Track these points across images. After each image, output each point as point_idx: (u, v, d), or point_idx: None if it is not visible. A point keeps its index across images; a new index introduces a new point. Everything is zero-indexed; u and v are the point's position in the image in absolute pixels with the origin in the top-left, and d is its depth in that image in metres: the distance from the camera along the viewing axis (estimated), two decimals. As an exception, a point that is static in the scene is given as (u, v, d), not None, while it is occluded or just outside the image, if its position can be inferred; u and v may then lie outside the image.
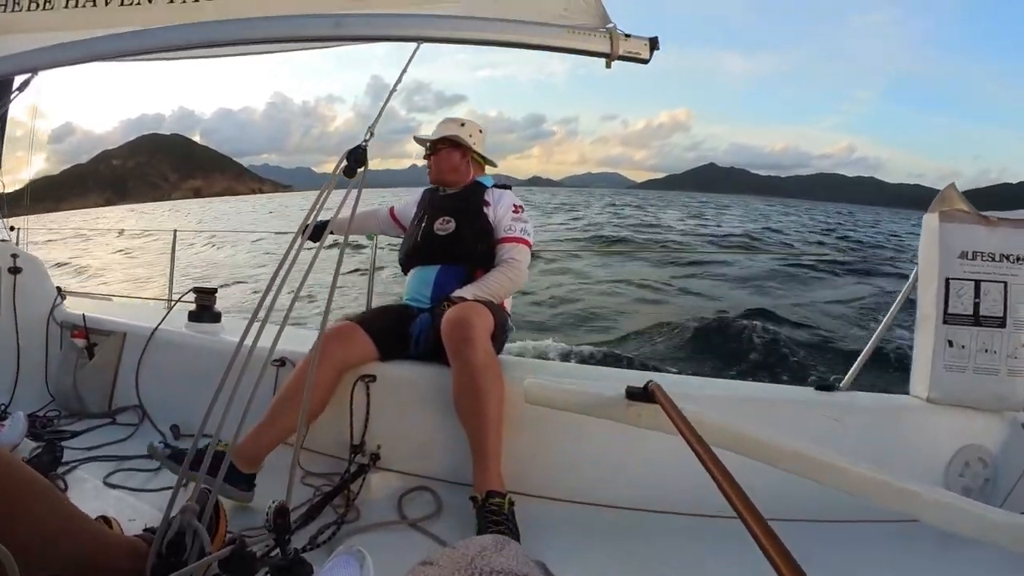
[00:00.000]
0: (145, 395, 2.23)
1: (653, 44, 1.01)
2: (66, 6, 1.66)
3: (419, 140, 2.17)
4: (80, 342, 2.31)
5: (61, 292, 2.55)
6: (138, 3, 1.61)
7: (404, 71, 1.08)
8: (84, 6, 1.64)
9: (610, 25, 1.04)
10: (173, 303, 2.50)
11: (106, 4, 1.63)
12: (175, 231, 3.42)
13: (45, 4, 1.67)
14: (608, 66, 1.01)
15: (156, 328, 2.27)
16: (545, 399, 0.96)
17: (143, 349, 2.25)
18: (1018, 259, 1.68)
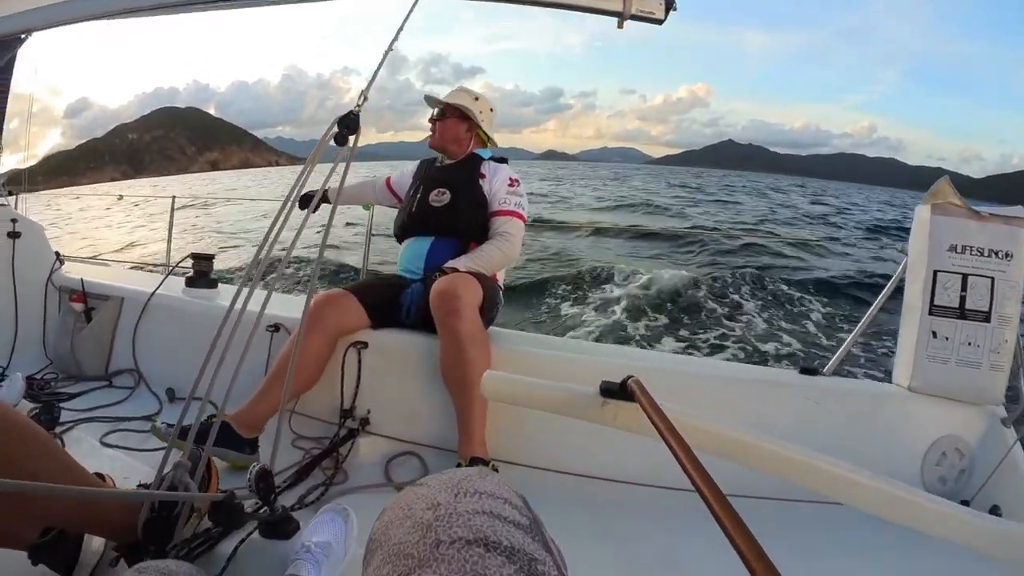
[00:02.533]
0: (141, 359, 2.25)
1: (669, 3, 0.99)
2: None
3: (430, 100, 2.14)
4: (78, 306, 2.32)
5: (59, 257, 2.56)
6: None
7: (407, 19, 1.08)
8: None
9: None
10: (171, 269, 2.50)
11: None
12: (173, 197, 3.42)
13: None
14: (620, 26, 0.99)
15: (153, 293, 2.28)
16: (506, 395, 0.88)
17: (140, 314, 2.26)
18: (1007, 255, 1.71)
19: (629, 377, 0.78)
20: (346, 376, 1.81)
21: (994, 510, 1.60)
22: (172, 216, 3.29)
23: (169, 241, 3.28)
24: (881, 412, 1.76)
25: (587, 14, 0.97)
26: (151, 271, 3.39)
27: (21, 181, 2.71)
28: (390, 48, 1.11)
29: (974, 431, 1.73)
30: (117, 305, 2.35)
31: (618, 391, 0.78)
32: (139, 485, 1.24)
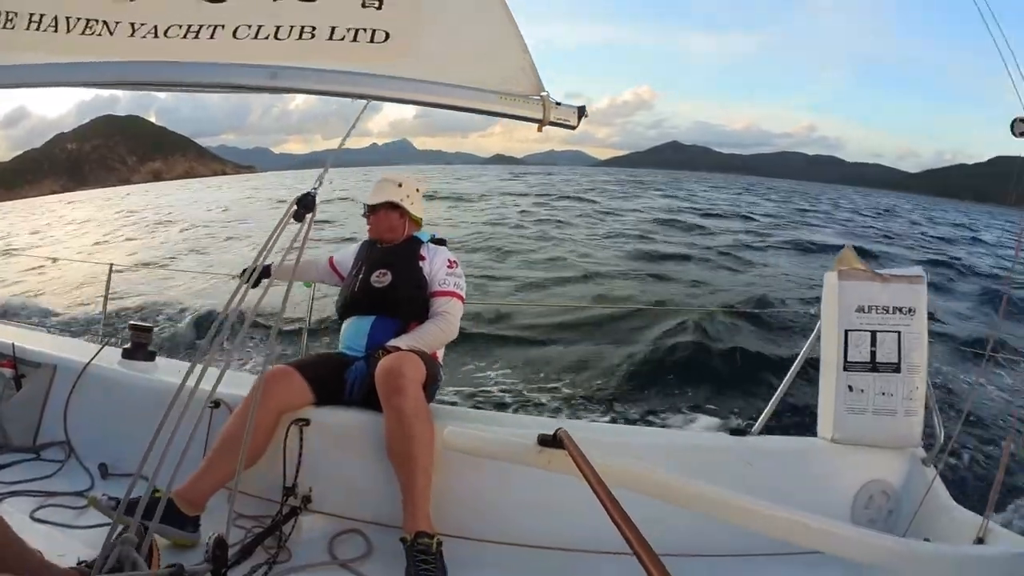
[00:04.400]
0: (73, 431, 2.14)
1: (581, 112, 1.14)
2: (27, 28, 1.67)
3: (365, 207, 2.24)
4: (8, 372, 2.21)
5: None
6: (98, 34, 1.65)
7: (354, 125, 1.16)
8: (45, 30, 1.66)
9: (544, 93, 1.15)
10: (106, 339, 2.43)
11: (67, 31, 1.65)
12: (111, 265, 3.32)
13: (6, 23, 1.68)
14: (539, 130, 1.12)
15: (89, 363, 2.20)
16: (462, 446, 1.01)
17: (74, 384, 2.17)
18: (909, 310, 1.89)
19: (559, 429, 0.91)
20: (288, 453, 1.80)
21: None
22: (109, 283, 3.19)
23: (105, 308, 3.16)
24: (809, 465, 1.87)
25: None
26: (86, 339, 3.24)
27: None
28: (341, 145, 1.19)
29: (897, 473, 1.85)
30: (49, 373, 2.25)
31: (551, 440, 0.90)
32: (80, 563, 1.18)
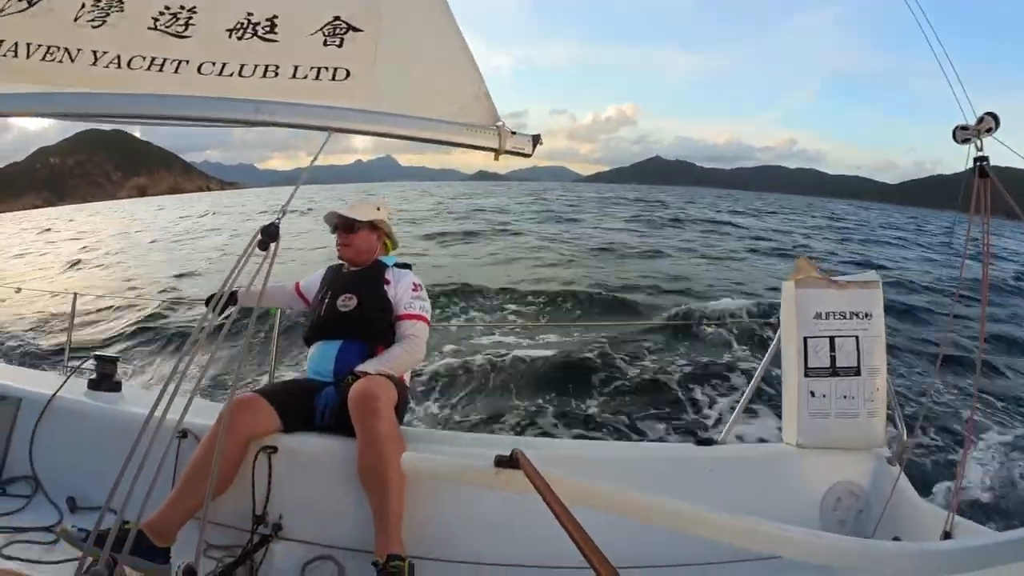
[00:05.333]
0: (39, 465, 2.09)
1: (536, 140, 1.19)
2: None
3: (331, 217, 2.23)
4: (-30, 406, 2.15)
5: None
6: (59, 60, 1.64)
7: (315, 158, 1.19)
8: (5, 55, 1.64)
9: (499, 123, 1.20)
10: (72, 371, 2.38)
11: (27, 56, 1.64)
12: (75, 295, 3.26)
13: None
14: (496, 159, 1.17)
15: (54, 395, 2.15)
16: (419, 470, 1.01)
17: (39, 416, 2.13)
18: (866, 315, 1.96)
19: (515, 450, 0.92)
20: (256, 481, 1.79)
21: (896, 540, 1.74)
22: (73, 312, 3.13)
23: (69, 338, 3.11)
24: (775, 470, 1.92)
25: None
26: (50, 370, 3.17)
27: None
28: (307, 170, 1.21)
29: (864, 473, 1.91)
30: (14, 405, 2.19)
31: (507, 461, 0.90)
32: None
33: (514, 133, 1.16)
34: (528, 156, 1.13)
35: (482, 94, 1.19)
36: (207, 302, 2.14)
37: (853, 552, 0.84)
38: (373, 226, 2.20)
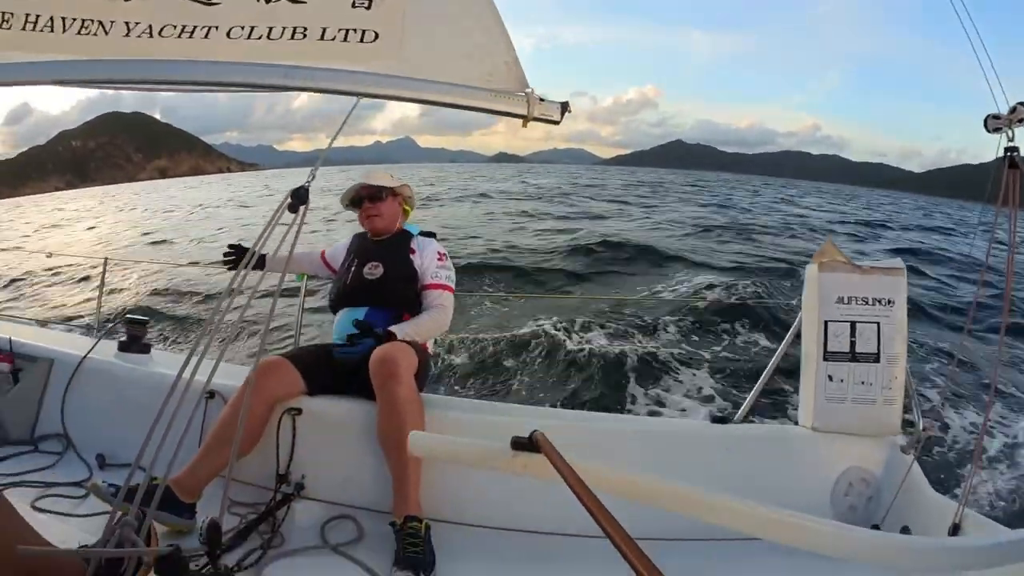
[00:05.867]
0: (70, 424, 2.17)
1: (564, 108, 1.17)
2: (23, 28, 1.71)
3: (350, 193, 2.25)
4: (5, 366, 2.24)
5: None
6: (94, 33, 1.68)
7: (345, 122, 1.20)
8: (41, 30, 1.69)
9: (528, 90, 1.19)
10: (103, 331, 2.46)
11: (63, 31, 1.68)
12: (105, 259, 3.36)
13: (2, 23, 1.71)
14: (524, 125, 1.16)
15: (85, 357, 2.23)
16: (429, 452, 0.97)
17: (70, 377, 2.20)
18: (889, 302, 1.93)
19: (535, 431, 0.87)
20: (281, 442, 1.84)
21: (904, 530, 1.76)
22: (104, 277, 3.22)
23: (100, 302, 3.20)
24: (789, 453, 1.92)
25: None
26: (82, 333, 3.26)
27: None
28: (334, 139, 1.22)
29: (876, 461, 1.90)
30: (46, 367, 2.28)
31: (527, 444, 0.86)
32: (81, 547, 1.23)
33: (542, 100, 1.15)
34: (557, 123, 1.13)
35: (511, 59, 1.18)
36: (234, 266, 2.19)
37: (891, 549, 0.82)
38: (394, 193, 2.23)
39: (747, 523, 0.86)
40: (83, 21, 1.61)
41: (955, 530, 1.59)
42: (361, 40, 1.23)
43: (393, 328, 1.93)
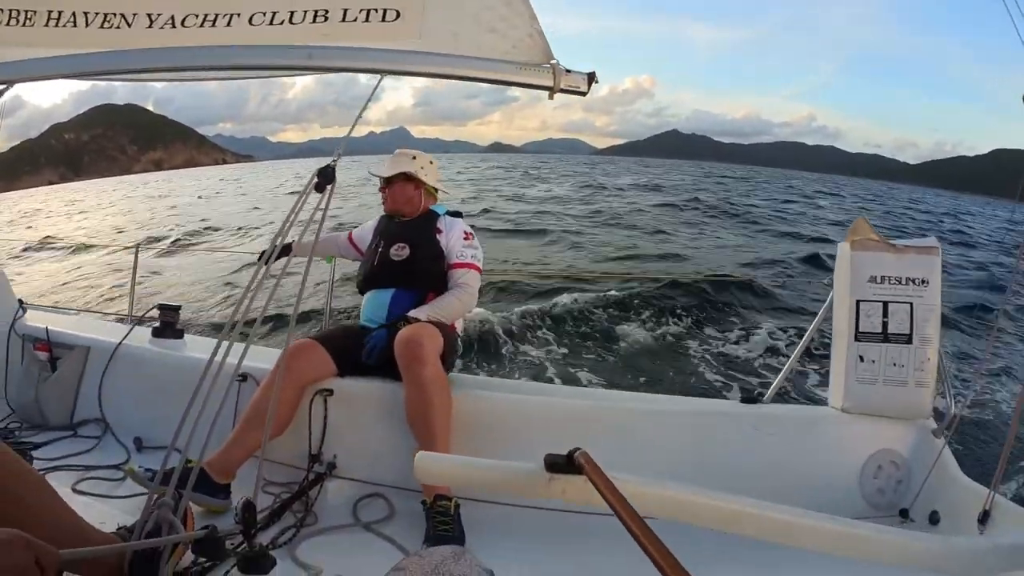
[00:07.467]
0: (107, 408, 2.24)
1: (591, 78, 1.15)
2: (46, 24, 1.74)
3: (375, 174, 2.29)
4: (43, 355, 2.30)
5: (23, 304, 2.54)
6: (117, 26, 1.70)
7: (370, 99, 1.20)
8: (64, 25, 1.72)
9: (553, 61, 1.17)
10: (137, 319, 2.52)
11: (86, 25, 1.71)
12: (137, 246, 3.43)
13: (25, 21, 1.74)
14: (551, 98, 1.15)
15: (120, 343, 2.29)
16: (439, 476, 0.84)
17: (106, 364, 2.26)
18: (923, 281, 1.88)
19: (576, 450, 0.76)
20: (313, 422, 1.87)
21: (933, 515, 1.73)
22: (136, 265, 3.29)
23: (132, 290, 3.27)
24: (818, 433, 1.89)
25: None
26: (116, 321, 3.35)
27: None
28: (360, 116, 1.22)
29: (907, 444, 1.86)
30: (83, 354, 2.34)
31: (564, 465, 0.75)
32: (119, 528, 1.27)
33: (568, 71, 1.13)
34: (584, 95, 1.11)
35: (536, 31, 1.16)
36: (261, 256, 2.21)
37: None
38: (407, 177, 2.22)
39: (811, 540, 0.79)
40: (106, 15, 1.63)
41: (985, 516, 1.56)
42: (383, 19, 1.22)
43: (413, 312, 1.93)
